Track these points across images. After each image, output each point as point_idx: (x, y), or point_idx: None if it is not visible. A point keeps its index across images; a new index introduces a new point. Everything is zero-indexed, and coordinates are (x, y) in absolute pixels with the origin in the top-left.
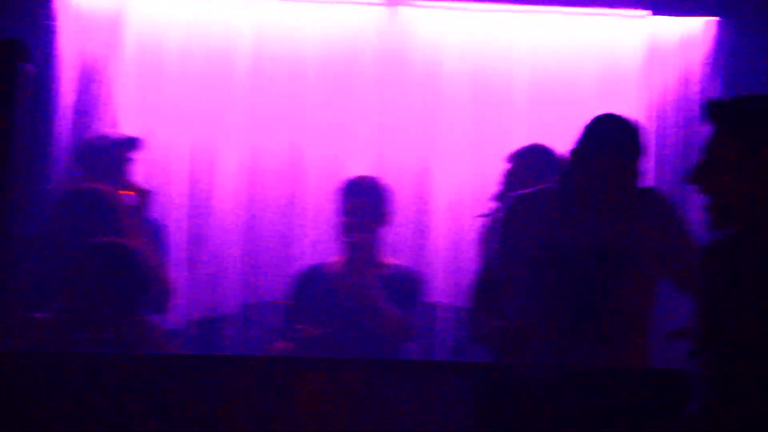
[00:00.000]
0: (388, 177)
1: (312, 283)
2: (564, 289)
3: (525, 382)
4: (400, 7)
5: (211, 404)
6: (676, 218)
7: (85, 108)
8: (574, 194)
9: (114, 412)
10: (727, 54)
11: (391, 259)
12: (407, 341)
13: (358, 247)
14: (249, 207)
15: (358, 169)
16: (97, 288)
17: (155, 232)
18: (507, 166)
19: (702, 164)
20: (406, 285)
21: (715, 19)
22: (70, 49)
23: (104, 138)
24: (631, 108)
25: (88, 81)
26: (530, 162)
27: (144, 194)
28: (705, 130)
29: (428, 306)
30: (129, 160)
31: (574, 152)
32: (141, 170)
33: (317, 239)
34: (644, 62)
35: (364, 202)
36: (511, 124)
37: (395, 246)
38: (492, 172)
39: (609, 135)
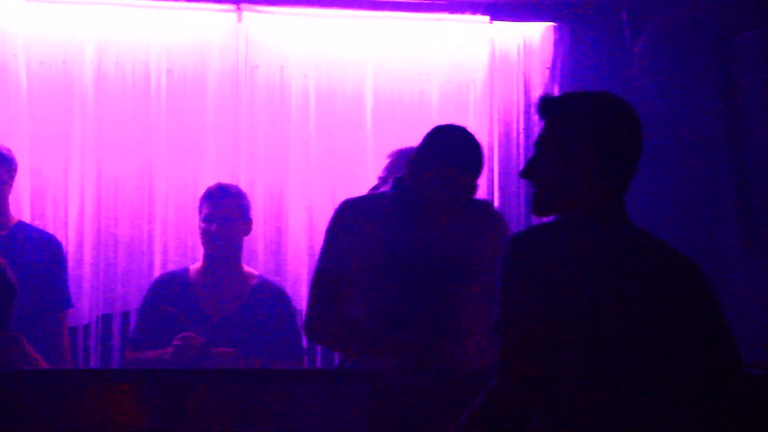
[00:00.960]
0: (242, 186)
1: (169, 290)
2: (399, 294)
3: (400, 387)
4: (246, 13)
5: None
6: (504, 233)
7: None
8: (409, 202)
9: None
10: (565, 59)
11: (252, 270)
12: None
13: (220, 255)
14: (100, 218)
15: (208, 183)
16: None
17: (51, 250)
18: (387, 161)
19: (532, 157)
20: (274, 298)
21: (553, 24)
22: None
23: None
24: (475, 112)
25: None
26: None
27: None
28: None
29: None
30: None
31: (413, 161)
32: None
33: (173, 248)
34: (487, 67)
35: (226, 208)
36: (359, 131)
37: (251, 260)
38: (344, 178)
39: (448, 147)
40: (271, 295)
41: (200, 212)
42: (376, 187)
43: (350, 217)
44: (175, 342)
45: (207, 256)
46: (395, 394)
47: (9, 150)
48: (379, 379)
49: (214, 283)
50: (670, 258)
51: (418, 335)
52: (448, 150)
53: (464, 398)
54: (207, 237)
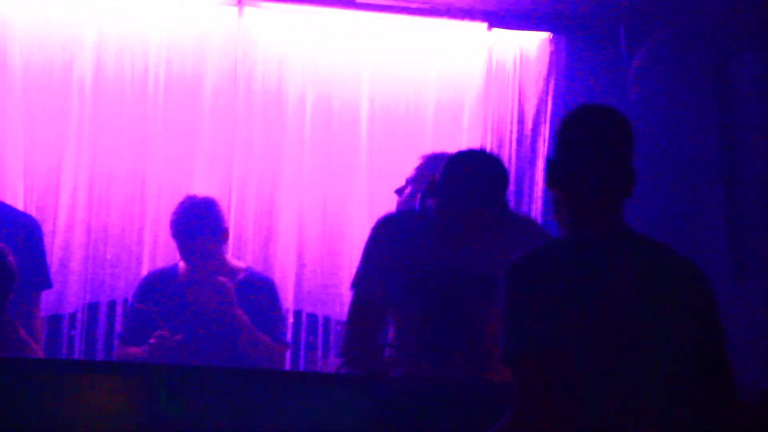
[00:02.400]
0: (234, 191)
1: (159, 287)
2: (430, 312)
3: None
4: (247, 8)
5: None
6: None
7: None
8: (440, 221)
9: None
10: (561, 70)
11: (239, 263)
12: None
13: (198, 266)
14: (91, 208)
15: (201, 180)
16: None
17: (28, 229)
18: (418, 162)
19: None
20: (261, 288)
21: (550, 35)
22: None
23: None
24: (470, 118)
25: None
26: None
27: None
28: (542, 142)
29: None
30: None
31: (438, 185)
32: None
33: (162, 241)
34: (483, 74)
35: (197, 226)
36: (354, 134)
37: (242, 255)
38: (337, 181)
39: (467, 174)
40: (258, 286)
41: (172, 231)
42: (401, 189)
43: (387, 235)
44: (151, 341)
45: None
46: (398, 401)
47: None
48: (382, 385)
49: (202, 280)
50: (672, 261)
51: (448, 356)
52: (469, 174)
53: (466, 407)
54: (183, 254)
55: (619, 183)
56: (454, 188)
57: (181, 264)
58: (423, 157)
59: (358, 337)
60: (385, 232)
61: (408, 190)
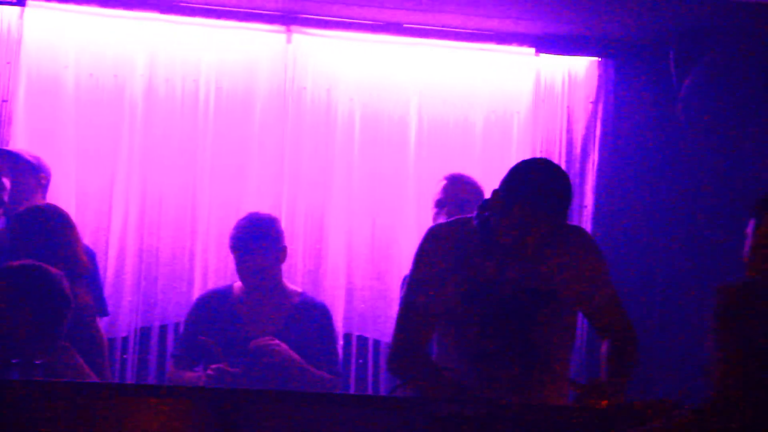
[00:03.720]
0: (283, 213)
1: (213, 308)
2: (487, 325)
3: (458, 418)
4: (295, 35)
5: None
6: (597, 259)
7: None
8: (497, 232)
9: None
10: (608, 93)
11: (295, 287)
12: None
13: (257, 285)
14: (143, 232)
15: (251, 201)
16: (17, 312)
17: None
18: (442, 183)
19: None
20: (316, 314)
21: (598, 59)
22: None
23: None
24: (518, 142)
25: None
26: (459, 186)
27: None
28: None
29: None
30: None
31: (499, 195)
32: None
33: (213, 264)
34: (531, 98)
35: (258, 242)
36: (402, 156)
37: (291, 273)
38: (385, 203)
39: (535, 184)
40: (313, 312)
41: (231, 245)
42: (438, 209)
43: (437, 244)
44: (209, 372)
45: (245, 283)
46: (448, 424)
47: (37, 158)
48: (433, 408)
49: (257, 302)
50: None
51: (501, 369)
52: (536, 187)
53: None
54: (240, 270)
55: None
56: (523, 201)
57: (236, 285)
58: (447, 177)
59: (409, 345)
60: (437, 241)
61: (444, 210)
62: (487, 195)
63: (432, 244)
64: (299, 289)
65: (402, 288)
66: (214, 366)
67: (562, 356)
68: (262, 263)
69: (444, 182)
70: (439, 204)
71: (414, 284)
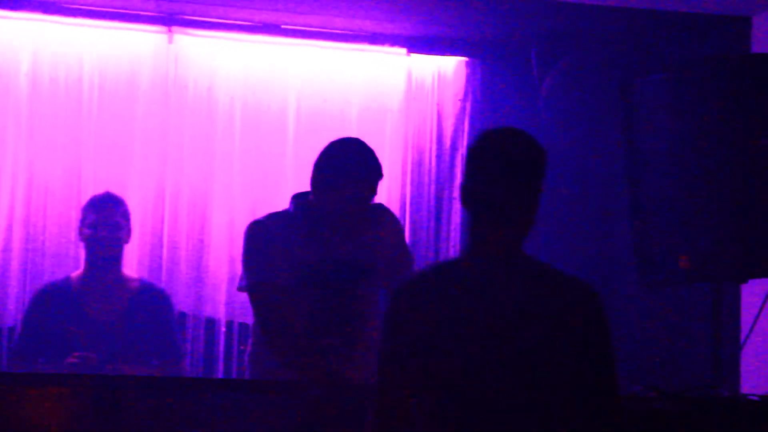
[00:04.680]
0: (166, 204)
1: (52, 301)
2: (316, 302)
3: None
4: (176, 36)
5: None
6: (399, 231)
7: None
8: (313, 217)
9: None
10: (476, 92)
11: (132, 274)
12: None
13: (105, 260)
14: (28, 227)
15: (135, 195)
16: None
17: None
18: None
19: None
20: (157, 300)
21: (466, 59)
22: None
23: None
24: (390, 138)
25: None
26: None
27: None
28: (459, 160)
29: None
30: None
31: (312, 178)
32: None
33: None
34: (403, 96)
35: (114, 216)
36: (281, 152)
37: (175, 262)
38: (264, 196)
39: (341, 162)
40: (153, 297)
41: (84, 219)
42: None
43: (257, 237)
44: (70, 360)
45: (89, 263)
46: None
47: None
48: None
49: (97, 289)
50: (563, 285)
51: (327, 340)
52: (342, 164)
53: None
54: (93, 243)
55: (519, 212)
56: (329, 171)
57: (73, 275)
58: None
59: (274, 321)
60: (261, 233)
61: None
62: None
63: (254, 237)
64: (136, 276)
65: None
66: (76, 354)
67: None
68: (116, 236)
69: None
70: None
71: (250, 269)
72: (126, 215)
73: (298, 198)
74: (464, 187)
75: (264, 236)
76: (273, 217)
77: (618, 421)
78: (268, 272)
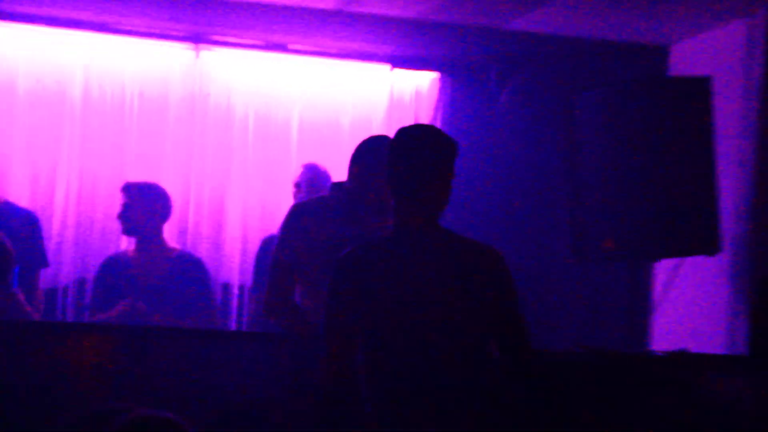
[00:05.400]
0: (191, 196)
1: (113, 268)
2: None
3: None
4: (203, 52)
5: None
6: None
7: None
8: (349, 202)
9: None
10: (446, 105)
11: (174, 245)
12: (213, 319)
13: (141, 239)
14: (80, 205)
15: (168, 181)
16: None
17: (29, 221)
18: (300, 170)
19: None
20: (194, 266)
21: (438, 75)
22: None
23: None
24: None
25: None
26: (309, 173)
27: None
28: None
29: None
30: None
31: (351, 168)
32: None
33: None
34: (386, 107)
35: (135, 202)
36: (286, 153)
37: (198, 241)
38: (273, 188)
39: (377, 155)
40: (190, 264)
41: (120, 204)
42: (296, 189)
43: (300, 217)
44: (119, 308)
45: (135, 241)
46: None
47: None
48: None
49: (144, 258)
50: (474, 250)
51: None
52: (378, 157)
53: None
54: (123, 224)
55: (434, 194)
56: (365, 162)
57: (129, 249)
58: (303, 165)
59: (278, 293)
60: (300, 215)
61: (302, 189)
62: (333, 180)
63: (295, 217)
64: (178, 247)
65: (261, 248)
66: (124, 301)
67: None
68: (139, 218)
69: (302, 169)
70: (297, 185)
71: (282, 246)
72: (153, 199)
73: (335, 186)
74: (389, 177)
75: (301, 218)
76: (314, 202)
77: (526, 354)
78: (291, 253)
